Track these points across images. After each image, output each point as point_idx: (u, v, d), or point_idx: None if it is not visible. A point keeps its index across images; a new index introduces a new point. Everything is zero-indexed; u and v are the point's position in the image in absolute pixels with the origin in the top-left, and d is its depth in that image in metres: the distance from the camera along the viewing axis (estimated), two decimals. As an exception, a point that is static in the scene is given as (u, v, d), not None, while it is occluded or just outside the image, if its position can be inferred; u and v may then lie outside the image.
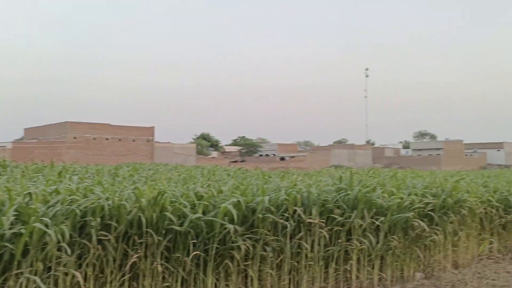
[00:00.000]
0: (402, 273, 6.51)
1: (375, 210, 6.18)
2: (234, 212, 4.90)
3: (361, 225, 5.96)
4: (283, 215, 5.49)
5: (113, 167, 12.36)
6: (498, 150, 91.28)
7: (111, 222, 4.50)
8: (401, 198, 6.37)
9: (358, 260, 6.09)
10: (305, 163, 63.14)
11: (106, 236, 4.50)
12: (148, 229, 4.61)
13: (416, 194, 6.82)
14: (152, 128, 52.85)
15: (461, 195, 7.05)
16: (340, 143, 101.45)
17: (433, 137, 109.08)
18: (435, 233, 6.65)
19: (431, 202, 6.63)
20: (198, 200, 5.17)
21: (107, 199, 4.61)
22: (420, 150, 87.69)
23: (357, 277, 6.05)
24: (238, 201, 5.19)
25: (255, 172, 10.20)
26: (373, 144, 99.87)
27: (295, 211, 5.54)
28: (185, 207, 4.88)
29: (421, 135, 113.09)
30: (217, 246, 4.99)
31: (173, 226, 4.70)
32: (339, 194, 6.03)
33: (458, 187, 7.26)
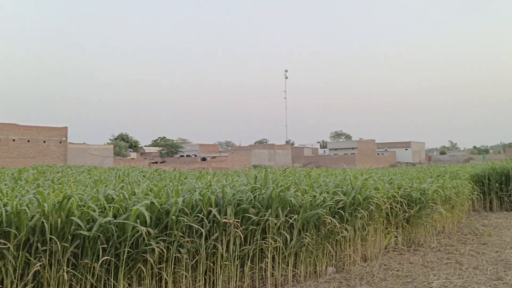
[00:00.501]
0: (315, 269, 6.75)
1: (289, 208, 6.35)
2: (147, 214, 4.78)
3: (275, 224, 6.09)
4: (198, 216, 5.45)
5: (17, 170, 11.52)
6: (406, 149, 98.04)
7: (10, 229, 4.18)
8: (314, 197, 6.59)
9: (273, 258, 6.22)
10: (226, 163, 63.39)
11: (5, 244, 4.17)
12: (52, 236, 4.34)
13: (327, 192, 7.11)
14: (65, 128, 50.02)
15: (369, 192, 7.44)
16: (261, 143, 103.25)
17: (348, 137, 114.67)
18: (346, 229, 6.97)
19: (342, 200, 6.93)
20: (108, 203, 4.97)
21: (5, 204, 4.27)
22: (336, 149, 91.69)
23: (272, 275, 6.17)
24: (152, 203, 5.08)
25: (173, 173, 10.03)
26: (292, 144, 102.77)
27: (210, 211, 5.52)
28: (94, 211, 4.66)
29: (337, 135, 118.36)
30: (129, 250, 4.83)
31: (80, 232, 4.48)
32: (253, 194, 6.11)
33: (366, 185, 7.67)
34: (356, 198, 7.16)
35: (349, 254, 7.32)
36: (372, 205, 7.49)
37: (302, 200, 6.45)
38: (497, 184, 15.16)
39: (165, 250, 5.02)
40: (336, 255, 7.18)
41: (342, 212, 7.00)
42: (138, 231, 4.76)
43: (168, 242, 5.13)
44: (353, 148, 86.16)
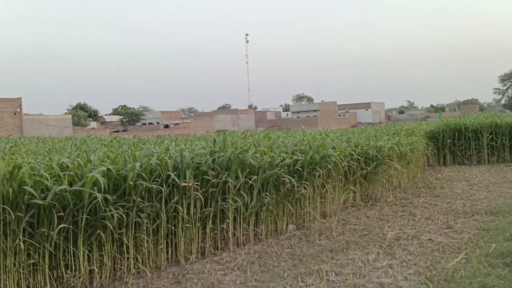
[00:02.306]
0: (276, 227, 6.93)
1: (248, 169, 6.42)
2: (103, 180, 4.73)
3: (235, 185, 6.16)
4: (157, 181, 5.44)
5: (-32, 143, 11.05)
6: (367, 110, 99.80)
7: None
8: (272, 157, 6.68)
9: (235, 219, 6.33)
10: (189, 130, 62.88)
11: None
12: (4, 206, 4.25)
13: (286, 153, 7.22)
14: (18, 99, 47.97)
15: (327, 151, 7.61)
16: (224, 109, 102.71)
17: (310, 99, 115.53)
18: (305, 188, 7.14)
19: (300, 159, 7.06)
20: (63, 171, 4.87)
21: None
22: (299, 112, 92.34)
23: (234, 235, 6.29)
24: (108, 169, 5.02)
25: (132, 140, 9.90)
26: (255, 108, 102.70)
27: (169, 176, 5.52)
28: (47, 179, 4.57)
29: (300, 98, 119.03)
30: (88, 217, 4.80)
31: (35, 201, 4.40)
32: (212, 157, 6.13)
33: (324, 144, 7.82)
34: (314, 157, 7.30)
35: (309, 212, 7.54)
36: (330, 164, 7.68)
37: (261, 161, 6.52)
38: (450, 140, 15.78)
39: (124, 216, 5.01)
40: (296, 213, 7.38)
41: (301, 171, 7.15)
42: (95, 198, 4.71)
43: (127, 208, 5.11)
44: (315, 111, 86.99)
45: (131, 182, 5.04)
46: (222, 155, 6.19)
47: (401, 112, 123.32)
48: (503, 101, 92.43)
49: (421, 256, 5.48)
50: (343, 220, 7.69)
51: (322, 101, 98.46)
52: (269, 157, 6.63)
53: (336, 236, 6.65)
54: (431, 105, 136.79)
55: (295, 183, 6.73)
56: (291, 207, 7.04)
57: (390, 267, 5.12)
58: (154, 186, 5.23)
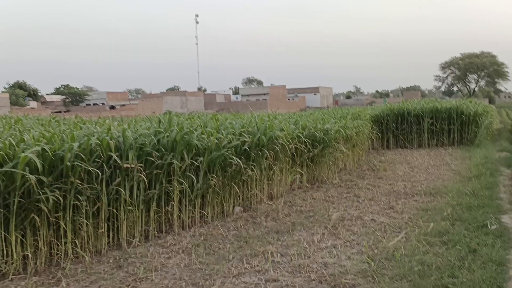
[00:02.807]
0: (223, 209, 6.86)
1: (194, 151, 6.27)
2: (38, 161, 4.44)
3: (180, 167, 6.01)
4: (98, 162, 5.18)
5: None
6: (315, 94, 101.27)
7: None
8: (219, 138, 6.57)
9: (180, 201, 6.19)
10: (137, 111, 61.23)
11: None
12: None
13: (234, 134, 7.12)
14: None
15: (274, 133, 7.58)
16: (173, 90, 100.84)
17: (260, 83, 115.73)
18: (252, 169, 7.10)
19: (247, 141, 6.99)
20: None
21: None
22: (248, 95, 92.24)
23: (179, 217, 6.16)
24: (43, 149, 4.71)
25: (73, 120, 9.44)
26: (205, 90, 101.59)
27: (110, 157, 5.28)
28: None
29: (249, 81, 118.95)
30: (21, 199, 4.50)
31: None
32: (157, 138, 5.93)
33: (272, 126, 7.79)
34: (261, 139, 7.26)
35: (256, 194, 7.52)
36: (277, 146, 7.67)
37: (208, 142, 6.40)
38: (393, 124, 16.30)
39: (61, 199, 4.74)
40: (243, 195, 7.33)
41: (248, 152, 7.09)
42: (28, 180, 4.42)
43: (64, 190, 4.84)
44: (264, 94, 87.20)
45: (69, 163, 4.77)
46: (167, 136, 6.00)
47: (348, 97, 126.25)
48: (443, 88, 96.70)
49: (364, 236, 5.60)
50: (290, 202, 7.74)
51: (271, 84, 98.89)
52: (216, 138, 6.51)
53: (283, 217, 6.67)
54: (377, 91, 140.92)
55: (242, 165, 6.66)
56: (238, 189, 6.97)
57: (334, 247, 5.19)
58: (90, 168, 4.96)
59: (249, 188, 7.36)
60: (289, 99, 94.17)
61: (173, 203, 6.00)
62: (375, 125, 15.97)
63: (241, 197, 7.23)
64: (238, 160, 6.56)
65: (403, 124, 16.24)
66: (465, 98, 21.05)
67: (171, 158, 5.87)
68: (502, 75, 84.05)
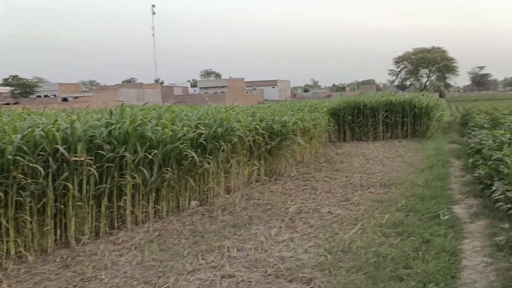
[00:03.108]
0: (178, 203, 6.67)
1: (148, 143, 6.05)
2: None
3: (133, 160, 5.78)
4: (43, 155, 4.88)
5: None
6: (273, 87, 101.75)
7: None
8: (174, 131, 6.37)
9: (133, 196, 5.96)
10: (91, 104, 59.39)
11: None
12: None
13: (190, 126, 6.93)
14: None
15: (231, 125, 7.45)
16: (129, 82, 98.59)
17: (218, 75, 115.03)
18: (208, 162, 6.94)
19: (203, 133, 6.83)
20: None
21: None
22: (207, 88, 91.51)
23: (132, 212, 5.94)
24: (-19, 142, 4.38)
25: (18, 111, 8.92)
26: (162, 83, 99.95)
27: (57, 149, 4.98)
28: None
29: (207, 73, 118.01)
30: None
31: None
32: (108, 129, 5.67)
33: (228, 118, 7.65)
34: (217, 130, 7.11)
35: (213, 187, 7.37)
36: (234, 138, 7.54)
37: (162, 134, 6.19)
38: (350, 117, 16.51)
39: (2, 194, 4.43)
40: (199, 189, 7.17)
41: (205, 145, 6.93)
42: (-36, 175, 4.09)
43: (6, 185, 4.53)
44: (223, 87, 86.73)
45: (10, 157, 4.45)
46: (119, 127, 5.75)
47: (305, 90, 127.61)
48: (396, 82, 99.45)
49: (321, 228, 5.58)
50: (247, 195, 7.65)
51: (230, 77, 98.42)
52: (171, 130, 6.31)
53: (240, 211, 6.57)
54: (333, 84, 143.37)
55: (197, 158, 6.49)
56: (193, 183, 6.80)
57: (291, 241, 5.14)
58: (30, 164, 4.66)
59: (206, 181, 7.20)
60: (247, 92, 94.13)
61: (125, 197, 5.77)
62: (332, 118, 16.13)
63: (197, 190, 7.07)
64: (194, 153, 6.38)
65: (359, 117, 16.48)
66: (418, 92, 21.61)
67: (123, 151, 5.63)
68: (452, 70, 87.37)
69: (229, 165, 7.72)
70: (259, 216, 6.26)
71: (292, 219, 6.07)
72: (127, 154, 5.61)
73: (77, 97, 66.29)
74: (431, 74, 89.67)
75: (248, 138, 7.97)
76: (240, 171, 8.21)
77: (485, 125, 12.25)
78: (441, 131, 17.45)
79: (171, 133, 6.27)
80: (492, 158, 6.17)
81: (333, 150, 13.59)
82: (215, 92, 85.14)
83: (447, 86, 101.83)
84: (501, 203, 5.03)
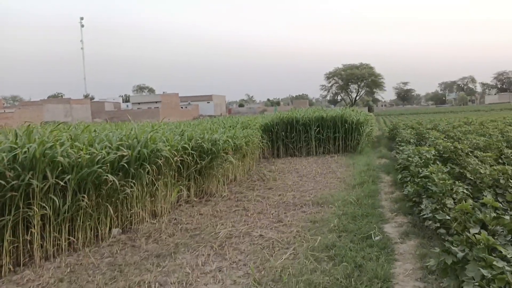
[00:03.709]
0: (98, 233, 6.10)
1: (61, 168, 5.47)
2: None
3: (43, 187, 5.17)
4: None
5: None
6: (208, 102, 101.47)
7: None
8: (91, 153, 5.82)
9: (43, 227, 5.34)
10: (13, 121, 55.70)
11: None
12: None
13: (111, 148, 6.41)
14: None
15: (156, 146, 7.00)
16: (56, 98, 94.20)
17: (151, 90, 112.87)
18: (132, 186, 6.43)
19: (126, 155, 6.32)
20: None
21: None
22: (139, 103, 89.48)
23: (42, 246, 5.30)
24: None
25: None
26: (92, 98, 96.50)
27: None
28: None
29: (140, 88, 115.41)
30: None
31: None
32: (11, 154, 5.03)
33: (154, 138, 7.19)
34: (141, 152, 6.63)
35: (138, 212, 6.85)
36: (160, 159, 7.09)
37: (77, 158, 5.62)
38: (283, 132, 16.50)
39: None
40: (122, 215, 6.63)
41: (127, 168, 6.42)
42: None
43: None
44: (156, 102, 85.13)
45: None
46: (25, 152, 5.13)
47: (241, 105, 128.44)
48: (328, 97, 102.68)
49: (252, 254, 5.27)
50: (175, 219, 7.19)
51: (164, 92, 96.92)
52: (87, 153, 5.75)
53: (166, 238, 6.11)
54: (268, 99, 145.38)
55: (118, 183, 5.97)
56: (112, 210, 6.24)
57: (220, 271, 4.78)
58: None
59: (129, 206, 6.67)
60: (182, 107, 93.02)
61: (33, 230, 5.14)
62: (265, 133, 16.04)
63: (119, 217, 6.52)
64: (113, 177, 5.85)
65: (292, 133, 16.52)
66: (348, 107, 22.16)
67: (29, 178, 5.02)
68: (379, 85, 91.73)
69: (155, 187, 7.24)
70: (186, 243, 5.84)
71: (221, 245, 5.71)
72: (33, 181, 5.00)
73: (-3, 114, 61.93)
74: (360, 89, 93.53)
75: (175, 158, 7.54)
76: (167, 193, 7.74)
77: (411, 140, 12.64)
78: (371, 146, 17.88)
79: (88, 156, 5.72)
80: (420, 175, 6.21)
81: (267, 167, 13.42)
82: (148, 108, 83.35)
83: (375, 100, 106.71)
84: (429, 222, 4.99)
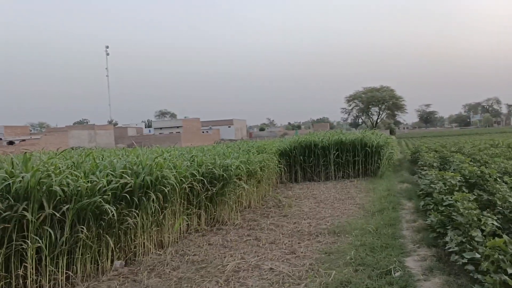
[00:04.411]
0: (98, 265, 5.76)
1: (59, 197, 5.19)
2: None
3: (38, 218, 4.89)
4: None
5: None
6: (229, 127, 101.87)
7: None
8: (92, 182, 5.54)
9: (39, 261, 5.04)
10: (39, 147, 56.66)
11: None
12: None
13: (113, 175, 6.13)
14: None
15: (161, 172, 6.69)
16: (81, 124, 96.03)
17: (173, 115, 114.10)
18: (135, 215, 6.11)
19: (129, 183, 6.03)
20: None
21: None
22: (161, 128, 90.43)
23: (37, 281, 4.99)
24: None
25: None
26: (116, 124, 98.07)
27: None
28: None
29: (162, 114, 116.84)
30: None
31: None
32: (4, 184, 4.79)
33: (160, 164, 6.89)
34: (145, 179, 6.33)
35: (142, 243, 6.51)
36: (167, 186, 6.77)
37: (77, 186, 5.35)
38: (301, 157, 16.07)
39: None
40: (126, 246, 6.30)
41: (130, 197, 6.11)
42: None
43: None
44: (178, 127, 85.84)
45: None
46: (20, 181, 4.87)
47: (261, 129, 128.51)
48: (349, 120, 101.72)
49: (259, 291, 4.84)
50: (183, 250, 6.82)
51: (185, 117, 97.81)
52: (88, 181, 5.48)
53: (169, 272, 5.73)
54: (289, 123, 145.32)
55: (116, 213, 5.64)
56: (115, 240, 5.93)
57: (223, 310, 4.37)
58: None
59: (133, 237, 6.34)
60: (203, 132, 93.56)
61: (27, 264, 4.84)
62: (283, 158, 15.64)
63: (122, 248, 6.19)
64: (113, 208, 5.53)
65: (311, 157, 16.08)
66: (369, 130, 21.62)
67: (23, 209, 4.75)
68: (400, 107, 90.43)
69: (162, 216, 6.90)
70: (191, 277, 5.45)
71: (228, 280, 5.31)
72: (27, 213, 4.72)
73: (23, 140, 63.28)
74: (381, 112, 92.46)
75: (183, 186, 7.22)
76: (175, 222, 7.40)
77: (435, 164, 12.06)
78: (392, 170, 17.27)
79: (88, 185, 5.44)
80: (444, 203, 5.70)
81: (283, 193, 12.98)
82: (170, 132, 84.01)
83: (397, 123, 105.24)
84: (456, 257, 4.49)
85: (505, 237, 3.58)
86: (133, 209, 6.12)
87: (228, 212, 8.94)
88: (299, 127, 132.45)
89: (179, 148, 10.20)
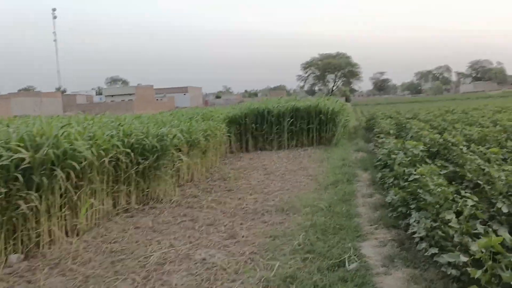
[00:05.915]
0: (-14, 261, 4.59)
1: None
2: None
3: None
4: None
5: None
6: (184, 94, 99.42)
7: None
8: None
9: None
10: (-23, 116, 52.82)
11: None
12: None
13: (5, 148, 4.89)
14: None
15: (71, 145, 5.49)
16: (27, 91, 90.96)
17: (125, 82, 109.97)
18: (33, 199, 4.92)
19: (24, 158, 4.81)
20: None
21: None
22: (113, 96, 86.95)
23: None
24: None
25: None
26: (64, 91, 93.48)
27: None
28: None
29: (114, 81, 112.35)
30: None
31: None
32: None
33: (70, 135, 5.67)
34: (49, 153, 5.12)
35: (50, 230, 5.35)
36: (80, 161, 5.59)
37: None
38: (253, 124, 15.07)
39: None
40: (29, 235, 5.12)
41: (28, 176, 4.91)
42: None
43: None
44: (130, 94, 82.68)
45: None
46: None
47: (218, 97, 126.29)
48: (305, 88, 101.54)
49: (183, 293, 3.87)
50: (103, 236, 5.73)
51: (138, 84, 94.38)
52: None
53: (78, 266, 4.65)
54: (246, 91, 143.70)
55: (10, 195, 4.46)
56: (11, 228, 4.76)
57: (130, 324, 3.36)
58: None
59: (35, 224, 5.16)
60: (157, 100, 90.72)
61: None
62: (233, 126, 14.58)
63: (20, 238, 5.01)
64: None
65: (263, 125, 15.10)
66: (325, 97, 20.84)
67: None
68: (356, 75, 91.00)
69: (76, 197, 5.73)
70: (101, 274, 4.39)
71: (148, 276, 4.30)
72: None
73: (-41, 108, 58.91)
74: (337, 80, 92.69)
75: (103, 160, 6.05)
76: (98, 202, 6.26)
77: (391, 131, 11.38)
78: (347, 137, 16.62)
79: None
80: (408, 178, 4.86)
81: (232, 163, 12.01)
82: (122, 100, 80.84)
83: (352, 91, 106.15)
84: (424, 245, 3.65)
85: (505, 235, 2.72)
86: (33, 191, 4.92)
87: (164, 188, 7.85)
88: (256, 94, 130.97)
89: (110, 116, 8.90)
